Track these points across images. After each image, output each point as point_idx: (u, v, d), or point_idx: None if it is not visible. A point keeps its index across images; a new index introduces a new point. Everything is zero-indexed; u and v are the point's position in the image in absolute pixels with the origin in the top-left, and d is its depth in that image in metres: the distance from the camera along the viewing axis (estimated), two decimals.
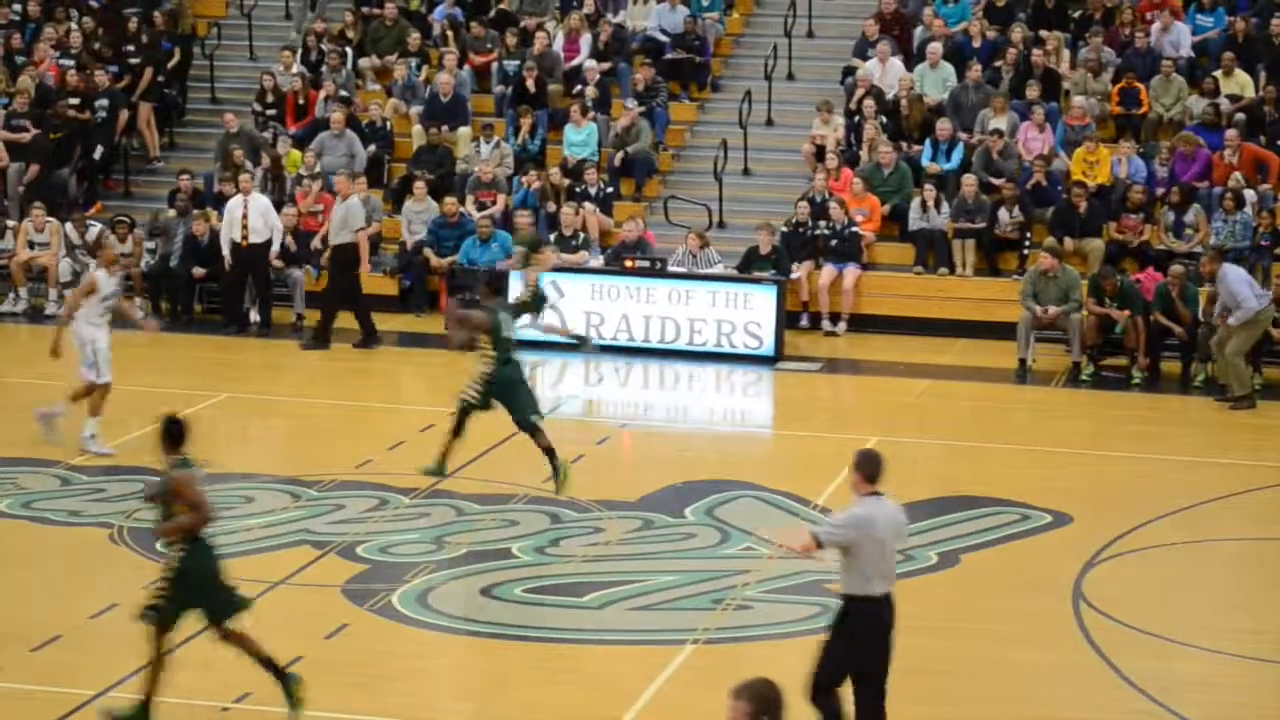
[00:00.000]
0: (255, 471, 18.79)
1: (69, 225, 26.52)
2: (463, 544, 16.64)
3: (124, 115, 29.04)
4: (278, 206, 26.15)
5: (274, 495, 18.06)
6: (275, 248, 25.51)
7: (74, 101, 28.72)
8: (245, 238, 25.13)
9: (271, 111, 29.23)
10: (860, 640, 11.53)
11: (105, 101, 28.80)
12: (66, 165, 28.43)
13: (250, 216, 25.14)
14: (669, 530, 17.20)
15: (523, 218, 26.42)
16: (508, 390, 17.78)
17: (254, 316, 25.63)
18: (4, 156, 27.96)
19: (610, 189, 27.56)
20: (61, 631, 14.31)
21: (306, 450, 20.03)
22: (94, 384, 19.14)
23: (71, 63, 29.42)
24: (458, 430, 17.84)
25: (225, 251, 25.23)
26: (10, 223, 26.96)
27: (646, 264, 25.10)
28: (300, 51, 30.17)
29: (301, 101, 29.20)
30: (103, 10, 30.92)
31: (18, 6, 31.21)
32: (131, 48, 30.07)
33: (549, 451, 17.84)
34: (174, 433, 12.30)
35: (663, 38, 30.20)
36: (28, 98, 28.45)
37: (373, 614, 14.86)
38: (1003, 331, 24.69)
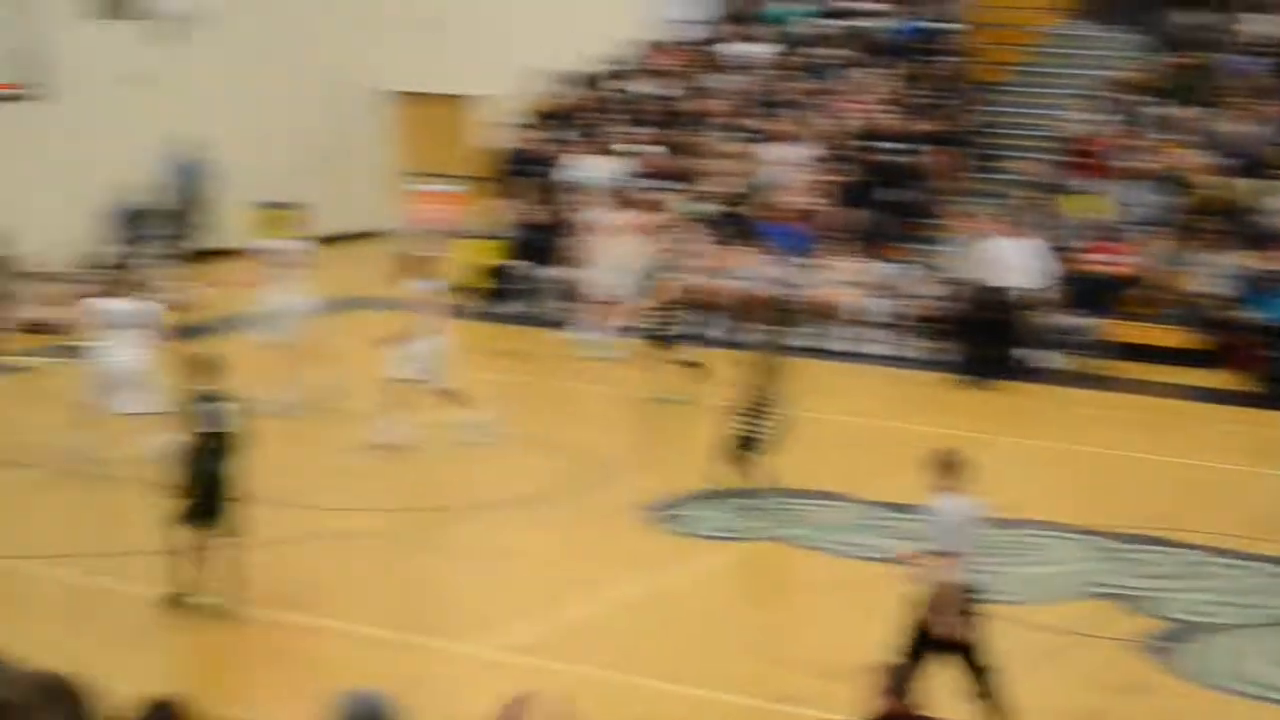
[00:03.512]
0: (1048, 519, 18.77)
1: (871, 265, 27.18)
2: (1273, 608, 16.15)
3: (925, 160, 29.57)
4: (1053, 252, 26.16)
5: (1066, 545, 18.01)
6: (1034, 294, 25.43)
7: (879, 144, 29.43)
8: (1003, 281, 25.12)
9: (1067, 159, 29.21)
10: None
11: (908, 145, 29.40)
12: (868, 207, 29.14)
13: (1004, 259, 25.12)
14: None
15: None
16: None
17: (1047, 363, 25.64)
18: (818, 198, 28.78)
19: None
20: (860, 664, 14.66)
21: (1101, 499, 19.81)
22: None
23: (880, 107, 30.13)
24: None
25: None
26: (819, 262, 27.73)
27: None
28: (1098, 100, 30.03)
29: (1096, 149, 29.07)
30: (910, 56, 31.56)
31: (829, 50, 32.14)
32: (936, 93, 30.60)
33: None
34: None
35: None
36: (837, 140, 29.30)
37: (1171, 675, 14.65)
38: None
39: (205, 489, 15.77)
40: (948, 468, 13.09)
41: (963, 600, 12.90)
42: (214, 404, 15.72)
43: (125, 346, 19.81)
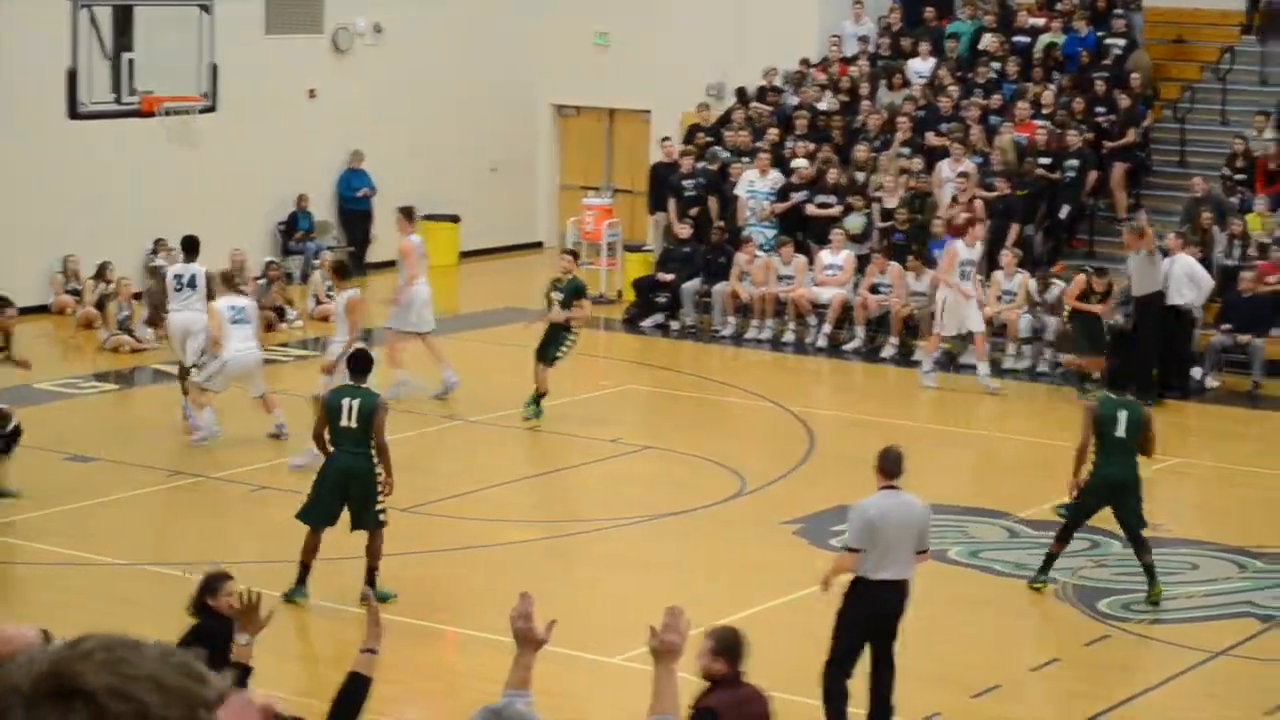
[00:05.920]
0: (1201, 539, 18.42)
1: (1033, 280, 26.84)
2: None
3: (1093, 176, 29.16)
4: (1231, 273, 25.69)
5: (1219, 564, 17.67)
6: (1196, 311, 25.01)
7: (1044, 160, 29.06)
8: (1166, 298, 24.73)
9: (1240, 176, 28.70)
10: (859, 617, 12.72)
11: (1075, 161, 29.02)
12: (1033, 223, 28.79)
13: (1174, 276, 24.76)
14: None
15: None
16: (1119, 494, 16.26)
17: (1209, 381, 25.15)
18: (981, 213, 28.47)
19: None
20: (1001, 681, 14.44)
21: (1255, 521, 19.43)
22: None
23: (1045, 122, 29.75)
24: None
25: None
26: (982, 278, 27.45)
27: None
28: (1276, 115, 29.48)
29: (1273, 167, 28.53)
30: (1076, 72, 31.14)
31: (996, 66, 31.82)
32: (1103, 109, 30.16)
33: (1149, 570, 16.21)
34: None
35: None
36: (1003, 156, 28.98)
37: None
38: None
39: (337, 486, 15.88)
40: (892, 463, 12.84)
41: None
42: (349, 399, 15.84)
43: (246, 340, 20.80)
